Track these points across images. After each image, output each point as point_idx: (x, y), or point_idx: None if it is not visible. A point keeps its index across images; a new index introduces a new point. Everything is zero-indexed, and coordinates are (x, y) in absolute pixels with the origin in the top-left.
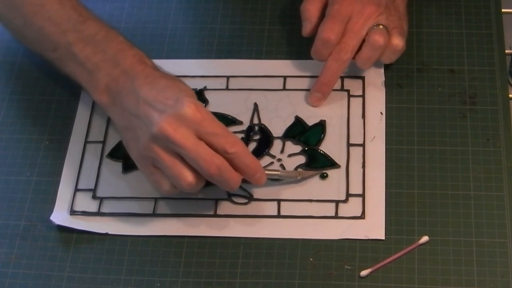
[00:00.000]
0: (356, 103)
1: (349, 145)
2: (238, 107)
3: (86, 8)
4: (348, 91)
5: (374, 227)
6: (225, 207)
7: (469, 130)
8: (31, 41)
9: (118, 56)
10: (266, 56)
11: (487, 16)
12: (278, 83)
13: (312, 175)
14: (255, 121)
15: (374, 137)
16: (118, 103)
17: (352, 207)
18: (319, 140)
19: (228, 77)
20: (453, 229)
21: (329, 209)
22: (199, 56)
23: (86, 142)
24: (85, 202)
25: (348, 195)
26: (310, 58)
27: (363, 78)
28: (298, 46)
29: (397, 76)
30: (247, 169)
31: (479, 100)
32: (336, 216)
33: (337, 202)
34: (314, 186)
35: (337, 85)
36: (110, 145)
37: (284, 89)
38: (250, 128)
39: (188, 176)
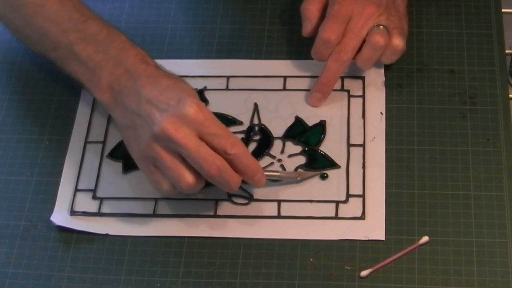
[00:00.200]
0: (356, 103)
1: (349, 145)
2: (238, 107)
3: (87, 8)
4: (348, 91)
5: (374, 227)
6: (225, 207)
7: (469, 130)
8: (32, 41)
9: (120, 55)
10: (266, 56)
11: (487, 16)
12: (278, 83)
13: (312, 175)
14: (255, 121)
15: (374, 137)
16: (120, 102)
17: (352, 207)
18: (319, 141)
19: (228, 77)
20: (453, 229)
21: (329, 210)
22: (199, 56)
23: (86, 142)
24: (85, 202)
25: (348, 195)
26: (310, 58)
27: (363, 78)
28: (298, 46)
29: (397, 76)
30: (247, 171)
31: (479, 100)
32: (336, 217)
33: (337, 203)
34: (314, 187)
35: (337, 85)
36: (110, 145)
37: (284, 89)
38: (250, 128)
39: (188, 177)
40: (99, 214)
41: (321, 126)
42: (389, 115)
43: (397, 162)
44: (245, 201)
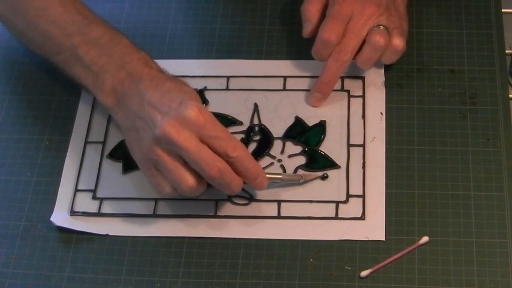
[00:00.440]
0: (356, 103)
1: (349, 145)
2: (238, 107)
3: (90, 11)
4: (348, 91)
5: (374, 228)
6: (225, 207)
7: (469, 130)
8: (35, 45)
9: (123, 59)
10: (266, 56)
11: (487, 16)
12: (278, 83)
13: (314, 177)
14: (255, 121)
15: (374, 138)
16: (123, 105)
17: (352, 207)
18: (319, 141)
19: (228, 77)
20: (453, 229)
21: (329, 210)
22: (199, 56)
23: (86, 142)
24: (85, 203)
25: (348, 195)
26: (310, 58)
27: (363, 79)
28: (298, 46)
29: (397, 76)
30: (248, 173)
31: (479, 100)
32: (336, 217)
33: (337, 203)
34: (314, 187)
35: (337, 85)
36: (110, 145)
37: (284, 89)
38: (250, 128)
39: (189, 180)
40: (99, 214)
41: (321, 126)
42: (389, 115)
43: (397, 162)
44: (245, 202)
